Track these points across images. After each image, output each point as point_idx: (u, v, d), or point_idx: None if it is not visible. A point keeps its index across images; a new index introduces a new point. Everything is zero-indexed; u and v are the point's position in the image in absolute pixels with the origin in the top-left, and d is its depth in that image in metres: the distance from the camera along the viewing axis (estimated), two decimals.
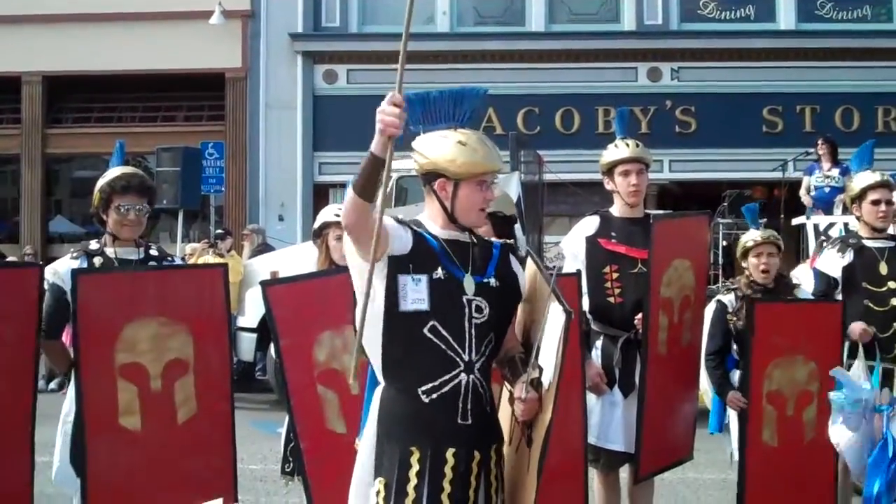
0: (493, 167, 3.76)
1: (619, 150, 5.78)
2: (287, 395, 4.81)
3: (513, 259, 3.87)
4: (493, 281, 3.73)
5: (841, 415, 5.48)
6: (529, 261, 3.92)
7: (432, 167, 3.71)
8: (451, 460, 3.59)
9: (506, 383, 3.84)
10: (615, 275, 5.68)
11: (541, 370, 3.58)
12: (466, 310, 3.65)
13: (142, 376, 4.65)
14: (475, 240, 3.83)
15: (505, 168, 3.75)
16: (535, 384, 3.59)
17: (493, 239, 4.00)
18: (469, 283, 3.68)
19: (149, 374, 4.66)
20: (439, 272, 3.64)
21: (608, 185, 5.87)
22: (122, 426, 4.62)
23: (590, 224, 5.84)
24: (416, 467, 3.58)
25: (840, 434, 5.54)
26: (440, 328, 3.62)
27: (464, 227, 3.76)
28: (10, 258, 15.03)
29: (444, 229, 3.74)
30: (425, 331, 3.61)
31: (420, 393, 3.61)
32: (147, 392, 4.67)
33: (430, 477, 3.57)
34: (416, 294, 3.61)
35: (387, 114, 3.35)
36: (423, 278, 3.62)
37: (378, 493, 3.61)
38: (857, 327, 5.92)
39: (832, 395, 5.54)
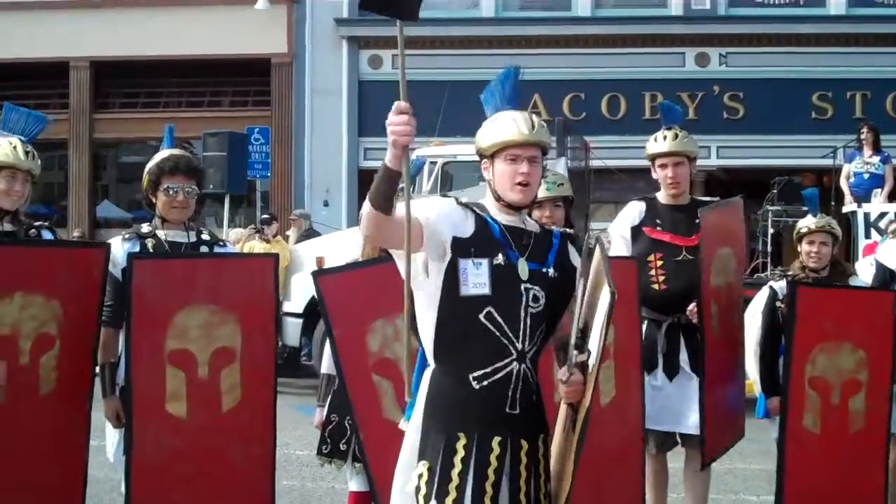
0: (515, 139, 3.70)
1: (658, 143, 5.84)
2: (345, 386, 4.81)
3: (571, 249, 3.84)
4: (552, 271, 3.71)
5: None
6: (598, 254, 3.84)
7: (477, 150, 3.78)
8: (496, 449, 3.57)
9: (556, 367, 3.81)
10: (659, 262, 5.74)
11: (589, 353, 3.55)
12: (524, 298, 3.63)
13: (190, 363, 4.63)
14: (536, 228, 3.83)
15: (542, 142, 3.77)
16: (582, 367, 3.55)
17: (553, 227, 3.98)
18: (523, 268, 3.66)
19: (197, 361, 4.64)
20: (499, 258, 3.63)
21: (654, 174, 5.92)
22: (169, 412, 4.61)
23: (636, 210, 5.88)
24: (461, 453, 3.56)
25: None
26: (496, 315, 3.59)
27: (516, 208, 3.74)
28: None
29: (500, 213, 3.73)
30: (481, 317, 3.58)
31: (471, 379, 3.59)
32: (194, 379, 4.65)
33: (475, 464, 3.55)
34: (476, 278, 3.59)
35: (395, 124, 3.36)
36: (485, 262, 3.60)
37: (421, 476, 3.59)
38: None
39: None
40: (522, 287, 3.63)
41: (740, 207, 6.05)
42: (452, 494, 3.53)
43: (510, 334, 3.60)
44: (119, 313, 4.86)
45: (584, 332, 3.60)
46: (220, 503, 4.78)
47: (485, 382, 3.58)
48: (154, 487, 4.60)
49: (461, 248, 3.59)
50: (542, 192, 5.41)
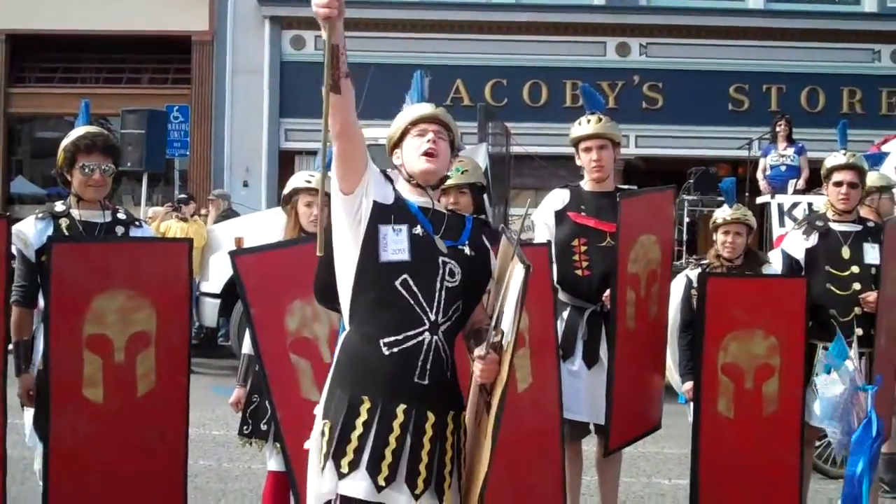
0: (422, 114, 3.83)
1: (582, 126, 5.85)
2: (262, 365, 4.80)
3: (484, 235, 3.88)
4: (466, 249, 3.75)
5: (826, 392, 5.54)
6: (504, 239, 3.89)
7: (388, 140, 3.88)
8: (400, 416, 3.58)
9: (469, 355, 3.82)
10: (583, 248, 5.72)
11: (503, 334, 3.56)
12: (441, 270, 3.66)
13: (106, 348, 4.62)
14: (447, 210, 3.88)
15: (448, 121, 3.88)
16: (496, 347, 3.55)
17: (465, 214, 4.02)
18: (440, 243, 3.70)
19: (113, 345, 4.63)
20: (418, 229, 3.67)
21: (578, 161, 5.90)
22: (86, 397, 4.60)
23: (559, 197, 5.88)
24: (363, 416, 3.57)
25: (824, 412, 5.59)
26: (412, 283, 3.62)
27: (425, 187, 3.79)
28: None
29: (412, 195, 3.77)
30: (397, 283, 3.61)
31: (382, 344, 3.60)
32: (110, 364, 4.64)
33: (377, 428, 3.56)
34: (396, 244, 3.63)
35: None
36: (404, 229, 3.64)
37: (322, 434, 3.61)
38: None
39: (817, 377, 5.60)
40: (441, 259, 3.67)
41: (672, 196, 6.12)
42: (349, 456, 3.55)
43: (424, 304, 3.62)
44: (33, 294, 4.84)
45: (496, 314, 3.63)
46: (135, 485, 4.78)
47: (395, 349, 3.59)
48: (71, 471, 4.59)
49: (381, 214, 3.62)
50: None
